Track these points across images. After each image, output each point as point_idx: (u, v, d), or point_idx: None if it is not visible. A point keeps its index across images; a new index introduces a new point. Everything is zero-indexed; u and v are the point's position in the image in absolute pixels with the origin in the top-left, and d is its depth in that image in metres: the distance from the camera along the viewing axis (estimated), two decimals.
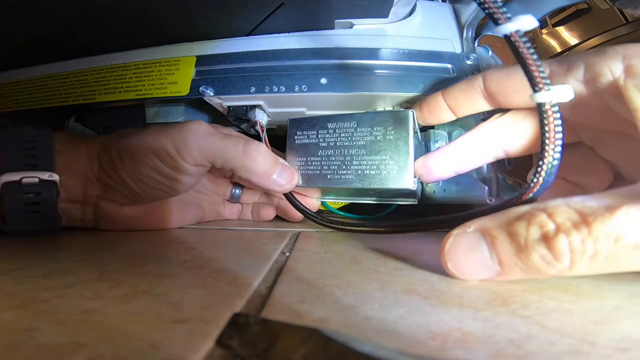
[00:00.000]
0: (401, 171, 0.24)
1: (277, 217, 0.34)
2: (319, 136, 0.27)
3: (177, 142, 0.25)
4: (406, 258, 0.20)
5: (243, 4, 0.26)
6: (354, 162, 0.26)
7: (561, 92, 0.15)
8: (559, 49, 0.50)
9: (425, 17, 0.30)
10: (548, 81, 0.15)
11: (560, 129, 0.15)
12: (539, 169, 0.16)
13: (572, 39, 0.48)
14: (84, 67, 0.31)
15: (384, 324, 0.12)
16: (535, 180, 0.16)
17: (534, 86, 0.15)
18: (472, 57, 0.28)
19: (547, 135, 0.15)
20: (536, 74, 0.15)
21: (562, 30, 0.49)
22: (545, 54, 0.52)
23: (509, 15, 0.14)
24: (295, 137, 0.28)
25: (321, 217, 0.27)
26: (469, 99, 0.22)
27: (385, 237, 0.26)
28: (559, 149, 0.15)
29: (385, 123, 0.25)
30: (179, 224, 0.30)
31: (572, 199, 0.14)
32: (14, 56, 0.33)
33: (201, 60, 0.29)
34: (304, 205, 0.28)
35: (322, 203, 0.36)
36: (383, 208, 0.35)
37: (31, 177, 0.23)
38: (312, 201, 0.35)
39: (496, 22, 0.14)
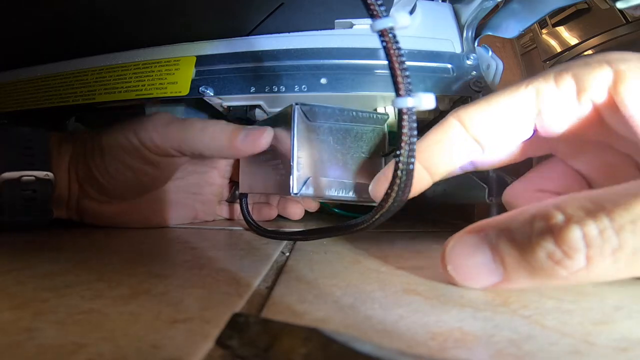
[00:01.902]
0: (287, 175, 0.22)
1: (278, 217, 0.34)
2: None
3: (138, 132, 0.26)
4: (406, 258, 0.20)
5: (243, 4, 0.26)
6: (269, 170, 0.25)
7: (424, 100, 0.14)
8: (559, 49, 0.50)
9: (425, 17, 0.30)
10: (410, 87, 0.14)
11: (415, 137, 0.15)
12: (394, 178, 0.15)
13: (572, 39, 0.48)
14: (84, 67, 0.31)
15: (384, 324, 0.12)
16: (389, 189, 0.15)
17: (397, 90, 0.14)
18: (472, 57, 0.28)
19: (400, 142, 0.15)
20: (399, 78, 0.14)
21: (562, 30, 0.49)
22: (545, 54, 0.52)
23: (384, 9, 0.14)
24: None
25: (260, 228, 0.27)
26: (448, 153, 0.18)
27: (386, 237, 0.25)
28: (413, 154, 0.15)
29: (281, 125, 0.23)
30: (165, 223, 0.30)
31: (579, 193, 0.12)
32: (14, 56, 0.33)
33: (201, 60, 0.29)
34: (250, 215, 0.29)
35: (321, 202, 0.36)
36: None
37: (29, 175, 0.25)
38: (312, 202, 0.35)
39: (371, 16, 0.14)
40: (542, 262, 0.11)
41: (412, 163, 0.15)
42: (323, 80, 0.27)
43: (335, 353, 0.08)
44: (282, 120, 0.23)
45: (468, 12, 0.29)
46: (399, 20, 0.14)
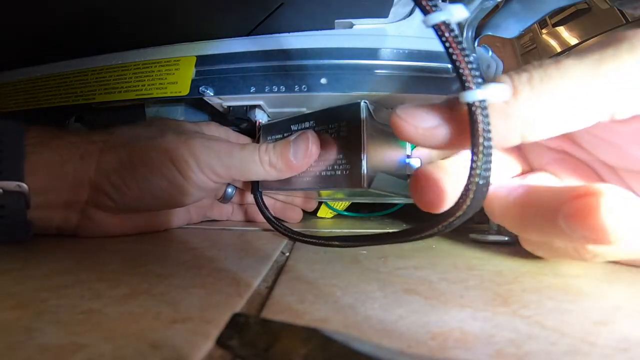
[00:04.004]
0: (354, 170, 0.22)
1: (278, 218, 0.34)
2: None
3: (197, 154, 0.24)
4: (406, 258, 0.20)
5: (243, 4, 0.26)
6: (312, 164, 0.24)
7: (494, 91, 0.13)
8: (558, 49, 0.50)
9: None
10: (480, 80, 0.13)
11: (489, 134, 0.13)
12: (468, 185, 0.13)
13: (572, 39, 0.48)
14: (84, 67, 0.31)
15: (384, 324, 0.12)
16: (461, 200, 0.13)
17: (463, 84, 0.13)
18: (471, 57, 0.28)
19: (475, 143, 0.13)
20: (466, 71, 0.13)
21: (562, 30, 0.49)
22: (545, 54, 0.52)
23: (436, 4, 0.13)
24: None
25: (282, 226, 0.26)
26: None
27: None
28: (490, 158, 0.13)
29: (339, 118, 0.23)
30: (160, 229, 0.29)
31: None
32: (14, 56, 0.33)
33: (201, 60, 0.29)
34: (268, 211, 0.28)
35: (326, 204, 0.36)
36: (390, 206, 0.34)
37: None
38: (312, 202, 0.35)
39: (423, 11, 0.13)
40: None
41: (487, 177, 0.13)
42: (323, 80, 0.27)
43: (335, 353, 0.08)
44: (341, 115, 0.23)
45: (468, 12, 0.29)
46: (455, 14, 0.13)
